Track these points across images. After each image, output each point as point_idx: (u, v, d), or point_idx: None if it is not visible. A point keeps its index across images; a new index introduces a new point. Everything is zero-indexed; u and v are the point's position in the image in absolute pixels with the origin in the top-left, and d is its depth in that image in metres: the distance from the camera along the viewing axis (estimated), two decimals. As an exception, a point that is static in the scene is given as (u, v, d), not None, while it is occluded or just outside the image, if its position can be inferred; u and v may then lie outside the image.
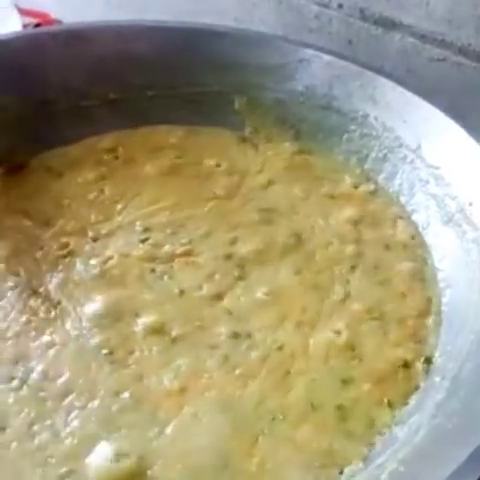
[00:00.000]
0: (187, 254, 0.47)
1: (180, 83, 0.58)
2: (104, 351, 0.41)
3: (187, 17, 0.65)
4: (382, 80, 0.51)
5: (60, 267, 0.46)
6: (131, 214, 0.50)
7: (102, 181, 0.53)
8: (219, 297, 0.44)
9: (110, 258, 0.47)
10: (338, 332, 0.42)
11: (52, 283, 0.45)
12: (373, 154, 0.52)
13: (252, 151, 0.56)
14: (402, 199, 0.50)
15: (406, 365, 0.41)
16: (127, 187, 0.52)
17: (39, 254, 0.47)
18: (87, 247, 0.47)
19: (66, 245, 0.48)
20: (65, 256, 0.47)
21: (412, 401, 0.39)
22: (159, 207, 0.51)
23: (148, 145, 0.56)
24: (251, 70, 0.56)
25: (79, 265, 0.46)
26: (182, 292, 0.44)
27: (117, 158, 0.55)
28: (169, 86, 0.58)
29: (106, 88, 0.56)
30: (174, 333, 0.42)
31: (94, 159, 0.55)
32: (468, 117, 0.48)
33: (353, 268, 0.47)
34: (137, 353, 0.41)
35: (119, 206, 0.51)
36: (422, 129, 0.49)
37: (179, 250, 0.47)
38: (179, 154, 0.55)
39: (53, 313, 0.43)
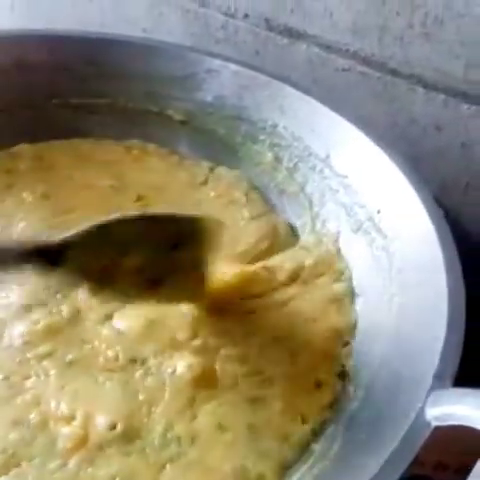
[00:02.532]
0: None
1: (85, 93, 0.56)
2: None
3: (95, 28, 0.64)
4: (290, 90, 0.51)
5: None
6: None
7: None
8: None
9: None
10: (244, 359, 0.41)
11: None
12: (284, 163, 0.52)
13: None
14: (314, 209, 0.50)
15: (319, 384, 0.40)
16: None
17: None
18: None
19: None
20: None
21: (327, 414, 0.39)
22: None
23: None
24: (158, 80, 0.55)
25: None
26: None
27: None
28: (74, 96, 0.56)
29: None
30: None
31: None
32: (374, 126, 0.49)
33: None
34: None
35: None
36: (330, 138, 0.49)
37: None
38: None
39: None
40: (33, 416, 0.37)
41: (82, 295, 0.43)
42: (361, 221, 0.46)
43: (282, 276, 0.46)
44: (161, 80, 0.55)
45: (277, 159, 0.53)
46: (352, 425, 0.37)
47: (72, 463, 0.35)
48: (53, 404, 0.38)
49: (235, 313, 0.43)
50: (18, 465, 0.35)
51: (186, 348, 0.40)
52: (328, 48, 0.53)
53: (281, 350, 0.41)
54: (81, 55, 0.56)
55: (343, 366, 0.41)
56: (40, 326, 0.41)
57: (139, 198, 0.51)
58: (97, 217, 0.41)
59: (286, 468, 0.36)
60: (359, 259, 0.46)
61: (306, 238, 0.49)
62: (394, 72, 0.51)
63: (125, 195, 0.51)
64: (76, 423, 0.36)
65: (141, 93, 0.56)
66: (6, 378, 0.39)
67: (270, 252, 0.48)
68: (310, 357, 0.42)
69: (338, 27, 0.52)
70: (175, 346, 0.40)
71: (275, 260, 0.47)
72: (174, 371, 0.39)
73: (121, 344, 0.40)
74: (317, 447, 0.37)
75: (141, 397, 0.38)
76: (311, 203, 0.50)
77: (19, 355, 0.40)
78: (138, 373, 0.39)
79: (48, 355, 0.40)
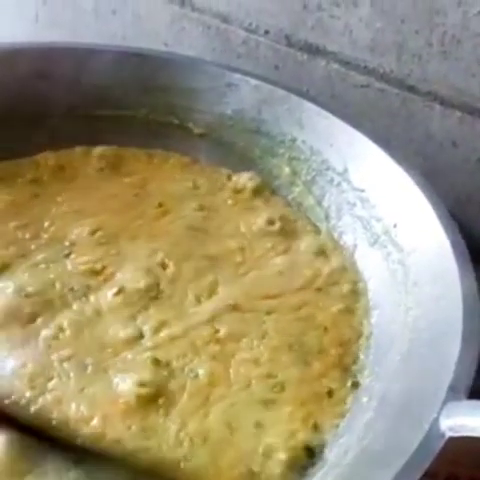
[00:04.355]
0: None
1: (108, 105, 0.57)
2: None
3: (118, 41, 0.65)
4: (309, 105, 0.52)
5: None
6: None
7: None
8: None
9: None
10: (258, 361, 0.42)
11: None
12: (302, 177, 0.53)
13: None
14: (331, 222, 0.51)
15: (331, 393, 0.41)
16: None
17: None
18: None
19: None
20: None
21: (341, 423, 0.39)
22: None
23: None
24: (179, 93, 0.56)
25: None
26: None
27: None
28: (96, 107, 0.57)
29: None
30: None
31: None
32: (391, 141, 0.50)
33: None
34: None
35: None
36: (348, 153, 0.50)
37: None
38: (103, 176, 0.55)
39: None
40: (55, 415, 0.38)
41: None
42: (377, 234, 0.47)
43: (299, 281, 0.47)
44: (182, 93, 0.56)
45: (295, 173, 0.54)
46: (366, 435, 0.37)
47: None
48: (73, 406, 0.39)
49: (254, 311, 0.44)
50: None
51: (205, 352, 0.41)
52: (347, 64, 0.54)
53: (294, 356, 0.42)
54: (103, 67, 0.58)
55: (356, 376, 0.42)
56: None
57: (160, 205, 0.53)
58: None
59: (299, 474, 0.37)
60: (375, 272, 0.47)
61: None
62: (412, 89, 0.52)
63: (147, 202, 0.53)
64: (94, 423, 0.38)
65: (162, 105, 0.57)
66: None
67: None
68: (322, 366, 0.42)
69: (357, 44, 0.53)
70: (195, 350, 0.41)
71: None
72: (196, 375, 0.40)
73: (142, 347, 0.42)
74: (330, 456, 0.38)
75: (161, 401, 0.39)
76: (328, 216, 0.51)
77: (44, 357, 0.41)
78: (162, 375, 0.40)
79: (70, 357, 0.41)
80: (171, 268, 0.47)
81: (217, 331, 0.43)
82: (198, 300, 0.45)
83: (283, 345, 0.43)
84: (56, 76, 0.57)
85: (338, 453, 0.38)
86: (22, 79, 0.55)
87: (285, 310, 0.45)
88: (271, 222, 0.52)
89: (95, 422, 0.38)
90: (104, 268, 0.47)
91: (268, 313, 0.45)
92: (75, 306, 0.45)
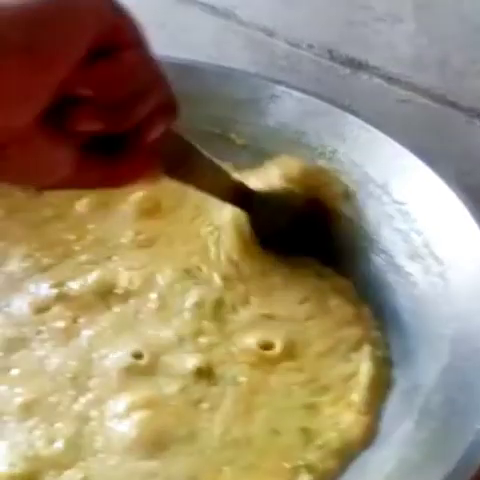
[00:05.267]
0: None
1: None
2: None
3: (161, 50, 0.66)
4: (351, 117, 0.52)
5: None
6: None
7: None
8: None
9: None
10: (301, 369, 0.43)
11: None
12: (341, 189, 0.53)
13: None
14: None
15: None
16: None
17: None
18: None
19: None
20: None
21: (381, 430, 0.40)
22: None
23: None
24: (223, 104, 0.57)
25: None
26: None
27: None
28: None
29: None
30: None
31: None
32: (432, 156, 0.50)
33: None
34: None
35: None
36: (389, 166, 0.50)
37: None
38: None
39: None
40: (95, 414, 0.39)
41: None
42: (417, 247, 0.47)
43: None
44: (225, 104, 0.57)
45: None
46: (406, 445, 0.37)
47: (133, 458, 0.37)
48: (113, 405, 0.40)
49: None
50: (83, 459, 0.37)
51: (246, 361, 0.42)
52: (389, 79, 0.54)
53: (337, 359, 0.43)
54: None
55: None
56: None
57: (196, 208, 0.54)
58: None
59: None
60: (414, 284, 0.47)
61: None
62: (453, 105, 0.53)
63: (186, 207, 0.54)
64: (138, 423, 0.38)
65: (204, 116, 0.58)
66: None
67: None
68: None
69: (400, 60, 0.53)
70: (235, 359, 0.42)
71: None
72: (236, 381, 0.41)
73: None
74: (371, 465, 0.38)
75: (205, 405, 0.39)
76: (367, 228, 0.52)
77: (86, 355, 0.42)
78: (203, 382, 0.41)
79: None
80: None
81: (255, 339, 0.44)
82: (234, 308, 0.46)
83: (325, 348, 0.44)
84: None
85: (377, 463, 0.38)
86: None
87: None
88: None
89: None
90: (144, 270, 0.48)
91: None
92: (116, 308, 0.46)
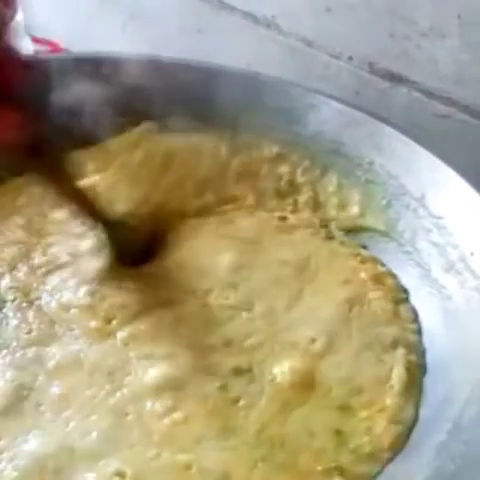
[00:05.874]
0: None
1: (183, 117, 0.59)
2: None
3: (200, 57, 0.67)
4: (389, 129, 0.53)
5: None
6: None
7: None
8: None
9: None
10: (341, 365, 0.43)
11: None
12: (377, 200, 0.54)
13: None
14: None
15: None
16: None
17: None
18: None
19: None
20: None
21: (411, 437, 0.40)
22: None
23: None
24: (260, 111, 0.58)
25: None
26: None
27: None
28: (172, 119, 0.59)
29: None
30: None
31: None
32: (471, 171, 0.50)
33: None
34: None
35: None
36: (426, 179, 0.50)
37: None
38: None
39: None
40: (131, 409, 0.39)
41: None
42: (453, 261, 0.47)
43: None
44: (263, 110, 0.57)
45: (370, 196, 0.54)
46: (439, 456, 0.37)
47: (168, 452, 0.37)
48: (149, 402, 0.40)
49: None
50: (120, 451, 0.37)
51: (290, 358, 0.43)
52: (429, 94, 0.55)
53: (371, 358, 0.43)
54: (184, 82, 0.59)
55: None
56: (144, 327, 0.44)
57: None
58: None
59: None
60: (450, 298, 0.47)
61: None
62: (493, 121, 0.53)
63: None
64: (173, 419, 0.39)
65: (243, 123, 0.58)
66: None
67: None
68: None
69: (441, 75, 0.54)
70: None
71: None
72: (273, 379, 0.41)
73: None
74: (401, 472, 0.38)
75: (241, 403, 0.40)
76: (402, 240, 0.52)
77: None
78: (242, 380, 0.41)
79: (148, 356, 0.42)
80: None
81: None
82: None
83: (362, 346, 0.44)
84: (133, 87, 0.58)
85: (409, 471, 0.38)
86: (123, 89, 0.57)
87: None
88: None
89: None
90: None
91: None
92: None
